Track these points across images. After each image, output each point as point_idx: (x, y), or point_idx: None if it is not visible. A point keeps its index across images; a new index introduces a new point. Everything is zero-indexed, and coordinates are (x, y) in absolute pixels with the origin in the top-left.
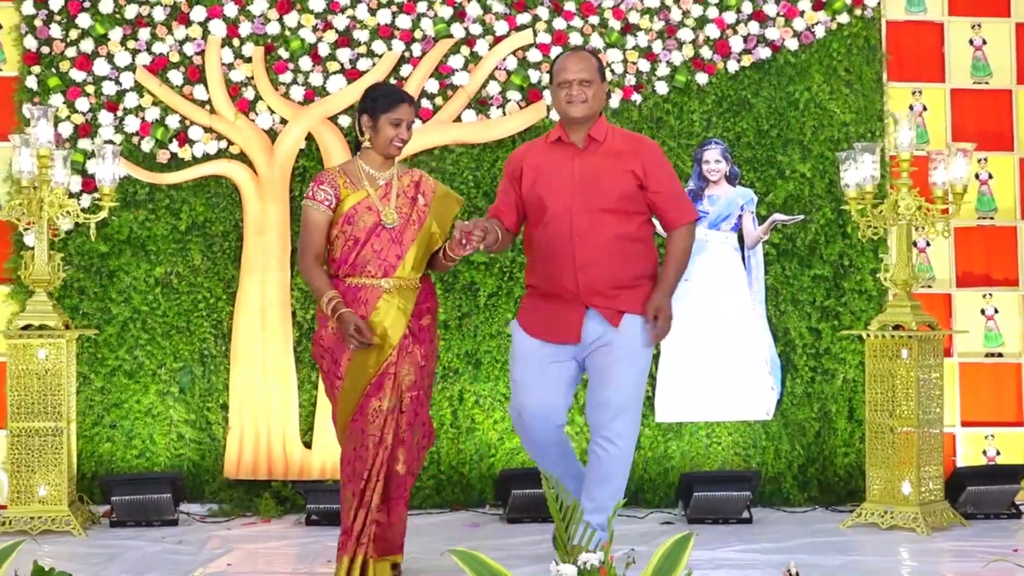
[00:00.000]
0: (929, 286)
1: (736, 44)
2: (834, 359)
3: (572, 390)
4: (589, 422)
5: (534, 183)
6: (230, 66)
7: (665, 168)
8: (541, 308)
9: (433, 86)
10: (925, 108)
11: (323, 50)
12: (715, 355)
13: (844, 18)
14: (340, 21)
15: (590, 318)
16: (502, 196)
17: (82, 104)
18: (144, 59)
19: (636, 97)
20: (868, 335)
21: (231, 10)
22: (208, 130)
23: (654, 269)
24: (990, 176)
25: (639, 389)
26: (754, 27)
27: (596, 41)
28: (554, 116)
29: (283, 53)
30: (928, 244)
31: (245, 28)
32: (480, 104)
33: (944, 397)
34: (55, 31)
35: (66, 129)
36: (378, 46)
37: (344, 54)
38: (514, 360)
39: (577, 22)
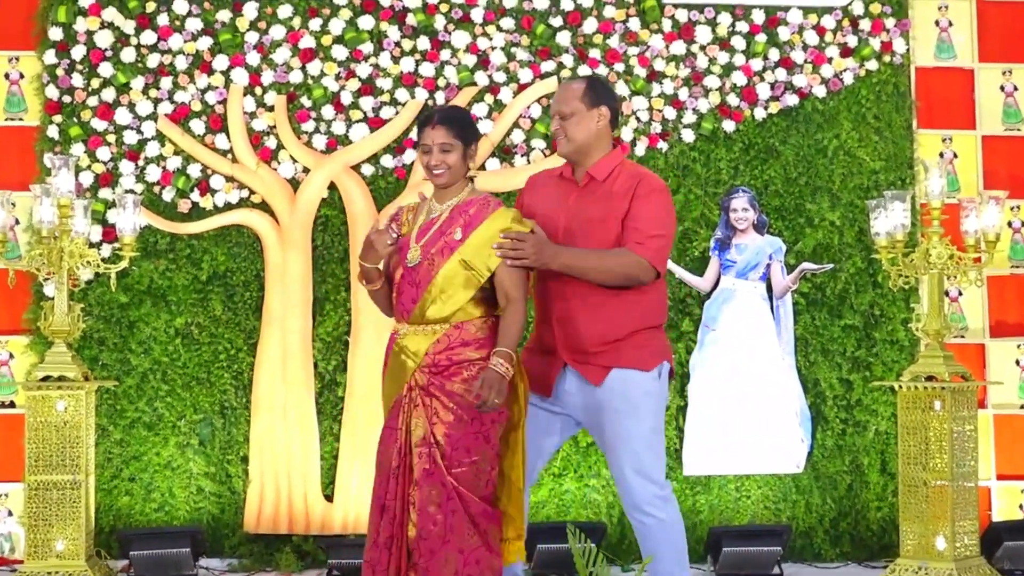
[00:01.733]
0: (962, 336)
1: (763, 91)
2: (866, 411)
3: (550, 443)
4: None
5: (531, 217)
6: (252, 115)
7: (652, 203)
8: (532, 358)
9: None
10: (956, 155)
11: (346, 98)
12: (744, 406)
13: (873, 65)
14: (363, 69)
15: (570, 377)
16: None
17: (103, 153)
18: (166, 108)
19: (662, 145)
20: (900, 386)
21: (253, 59)
22: (230, 179)
23: (654, 319)
24: (1023, 224)
25: (653, 448)
26: (781, 74)
27: (622, 88)
28: None
29: (306, 101)
30: (960, 293)
31: (267, 76)
32: (504, 152)
33: (979, 449)
34: (77, 80)
35: (87, 178)
36: (401, 94)
37: (367, 102)
38: None
39: (602, 69)
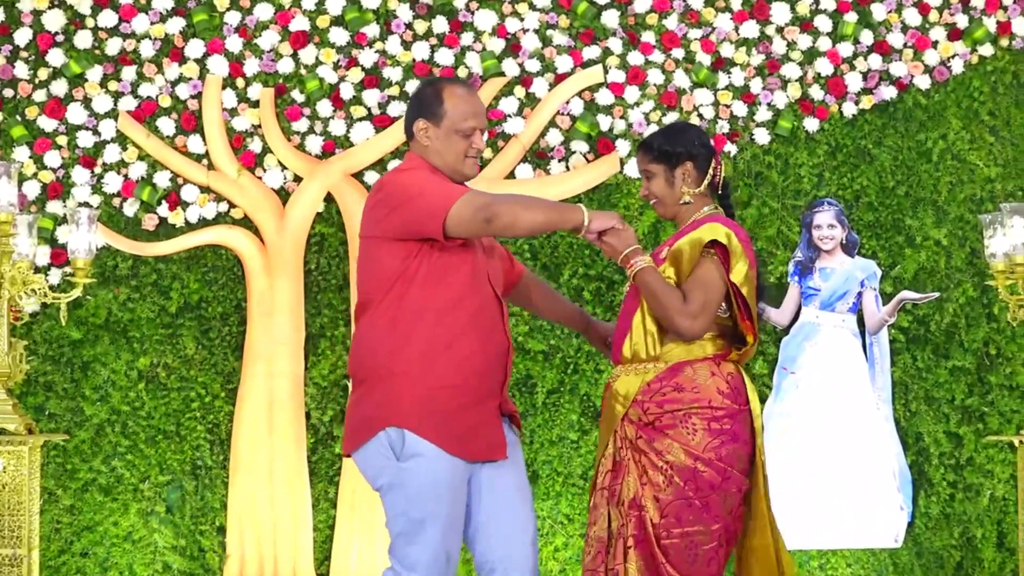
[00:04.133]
0: None
1: (854, 82)
2: (979, 472)
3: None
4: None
5: None
6: (233, 112)
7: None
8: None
9: None
10: None
11: (346, 92)
12: (830, 466)
13: (987, 50)
14: (367, 57)
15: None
16: None
17: (52, 159)
18: (129, 104)
19: (730, 147)
20: (1021, 442)
21: (234, 44)
22: (205, 190)
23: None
24: None
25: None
26: (876, 61)
27: (681, 79)
28: (629, 171)
29: (297, 96)
30: None
31: (251, 66)
32: (538, 157)
33: None
34: (21, 70)
35: (32, 189)
36: (413, 87)
37: (372, 96)
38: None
39: (657, 56)
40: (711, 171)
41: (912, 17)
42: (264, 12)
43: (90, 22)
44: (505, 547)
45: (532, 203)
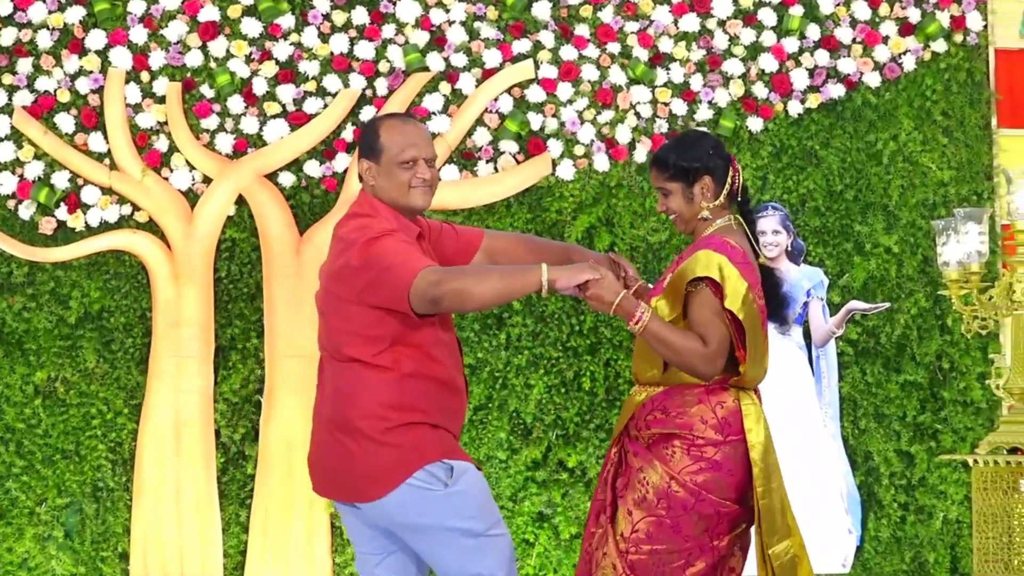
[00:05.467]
0: None
1: (799, 80)
2: (931, 493)
3: None
4: None
5: None
6: (137, 108)
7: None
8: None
9: None
10: None
11: (259, 87)
12: None
13: (940, 46)
14: (282, 50)
15: None
16: None
17: None
18: (24, 98)
19: None
20: (976, 461)
21: (139, 35)
22: (107, 191)
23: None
24: None
25: None
26: (823, 58)
27: (617, 76)
28: (562, 173)
29: (207, 91)
30: None
31: (157, 58)
32: (465, 157)
33: None
34: None
35: None
36: (331, 82)
37: (287, 92)
38: (487, 497)
39: (592, 51)
40: (729, 181)
41: (861, 11)
42: (171, 1)
43: None
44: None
45: (483, 275)
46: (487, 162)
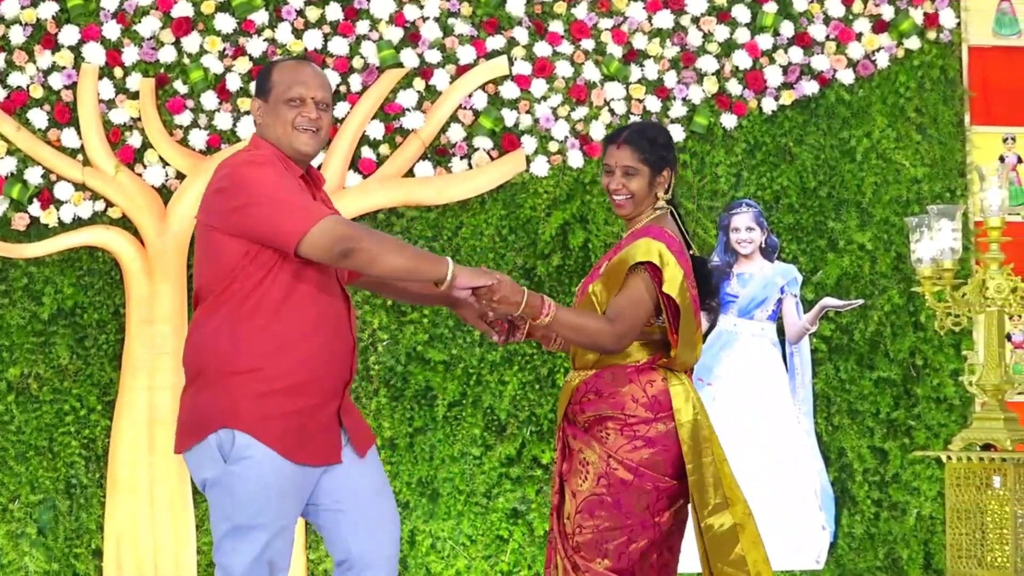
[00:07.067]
0: None
1: (773, 77)
2: (905, 489)
3: None
4: None
5: None
6: (110, 103)
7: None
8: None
9: (377, 130)
10: (1020, 159)
11: (233, 83)
12: (748, 484)
13: (914, 43)
14: (255, 46)
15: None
16: None
17: None
18: None
19: None
20: (949, 457)
21: (112, 31)
22: (80, 187)
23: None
24: None
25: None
26: (797, 54)
27: (591, 72)
28: (536, 170)
29: (180, 87)
30: None
31: (130, 54)
32: (439, 154)
33: None
34: None
35: None
36: None
37: None
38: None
39: (565, 47)
40: (675, 177)
41: (835, 8)
42: None
43: None
44: (363, 544)
45: (397, 247)
46: (461, 158)
